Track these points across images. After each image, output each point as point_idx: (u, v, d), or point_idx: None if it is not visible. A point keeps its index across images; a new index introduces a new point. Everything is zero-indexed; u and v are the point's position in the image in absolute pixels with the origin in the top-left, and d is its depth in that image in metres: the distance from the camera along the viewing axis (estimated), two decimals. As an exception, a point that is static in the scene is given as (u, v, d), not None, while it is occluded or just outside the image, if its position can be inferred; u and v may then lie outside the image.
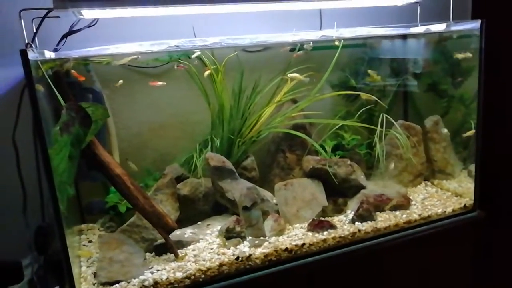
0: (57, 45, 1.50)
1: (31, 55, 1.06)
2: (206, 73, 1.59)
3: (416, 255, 1.61)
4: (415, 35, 1.93)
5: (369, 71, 1.92)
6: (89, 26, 1.50)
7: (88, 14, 1.40)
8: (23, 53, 1.03)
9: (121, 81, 1.55)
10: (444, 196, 1.77)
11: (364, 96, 1.73)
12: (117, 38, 1.47)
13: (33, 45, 1.23)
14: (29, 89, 1.04)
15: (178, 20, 1.64)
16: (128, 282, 1.23)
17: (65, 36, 1.50)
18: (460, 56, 1.79)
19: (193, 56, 1.59)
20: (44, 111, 1.15)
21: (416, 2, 1.85)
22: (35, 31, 1.31)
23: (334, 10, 1.86)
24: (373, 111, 1.92)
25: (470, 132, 1.75)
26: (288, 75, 1.63)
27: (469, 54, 1.75)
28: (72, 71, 1.34)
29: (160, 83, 1.60)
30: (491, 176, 2.02)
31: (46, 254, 1.38)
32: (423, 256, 1.62)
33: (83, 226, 1.58)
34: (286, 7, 1.65)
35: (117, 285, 1.22)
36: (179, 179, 1.58)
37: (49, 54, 1.27)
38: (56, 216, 1.09)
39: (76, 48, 1.38)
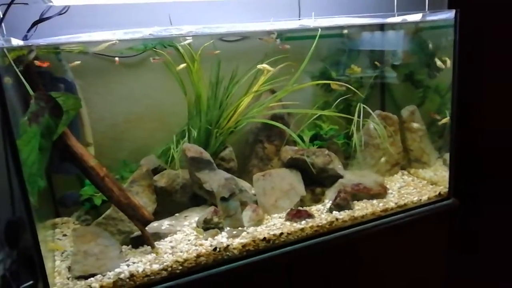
0: (27, 32, 1.45)
1: (-4, 42, 1.02)
2: (181, 66, 1.56)
3: (393, 243, 1.63)
4: (391, 25, 1.94)
5: (352, 66, 1.93)
6: (59, 14, 1.45)
7: (59, 1, 1.36)
8: (-13, 41, 0.99)
9: (77, 62, 1.49)
10: (420, 185, 1.80)
11: (334, 85, 1.73)
12: (90, 26, 1.43)
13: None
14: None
15: (154, 8, 1.61)
16: (104, 275, 1.21)
17: (35, 23, 1.45)
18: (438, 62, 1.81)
19: (184, 43, 1.56)
20: (12, 101, 1.11)
21: (393, -8, 1.87)
22: (1, 17, 1.25)
23: (313, 0, 1.85)
24: (351, 101, 1.93)
25: (445, 120, 1.78)
26: (258, 66, 1.61)
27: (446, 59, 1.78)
28: (36, 61, 1.29)
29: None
30: (470, 166, 2.08)
31: (18, 249, 1.35)
32: (399, 243, 1.65)
33: (57, 219, 1.54)
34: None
35: (92, 278, 1.20)
36: (156, 170, 1.56)
37: (16, 42, 1.22)
38: (26, 209, 1.06)
39: (47, 36, 1.34)
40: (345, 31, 1.97)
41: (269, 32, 1.68)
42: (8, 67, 1.16)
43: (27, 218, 1.07)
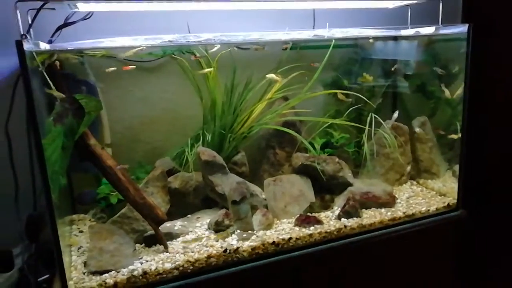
0: (52, 36, 1.51)
1: (26, 46, 1.07)
2: (206, 70, 1.60)
3: (400, 252, 1.65)
4: (404, 37, 1.97)
5: (364, 74, 1.97)
6: (84, 19, 1.52)
7: (83, 7, 1.42)
8: (19, 44, 1.05)
9: (113, 68, 1.56)
10: (428, 195, 1.82)
11: (340, 96, 1.78)
12: (112, 32, 1.49)
13: (28, 36, 1.24)
14: (24, 80, 1.06)
15: (173, 15, 1.66)
16: (118, 272, 1.25)
17: (59, 28, 1.52)
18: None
19: (211, 50, 1.62)
20: (38, 102, 1.17)
21: (407, 5, 1.90)
22: (30, 22, 1.32)
23: (328, 11, 1.89)
24: (363, 111, 1.96)
25: (454, 136, 1.80)
26: (266, 75, 1.65)
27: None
28: (56, 62, 1.35)
29: (130, 67, 1.60)
30: (480, 177, 2.09)
31: (37, 243, 1.40)
32: (406, 252, 1.67)
33: (74, 216, 1.60)
34: (281, 6, 1.68)
35: (106, 274, 1.24)
36: (170, 172, 1.61)
37: (44, 46, 1.29)
38: (48, 205, 1.11)
39: (70, 41, 1.40)
40: (358, 41, 2.00)
41: (284, 42, 1.72)
42: (35, 69, 1.22)
43: (48, 214, 1.12)
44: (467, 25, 1.62)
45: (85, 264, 1.29)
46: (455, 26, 1.71)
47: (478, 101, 1.98)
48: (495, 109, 2.08)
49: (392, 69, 2.04)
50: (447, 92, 1.86)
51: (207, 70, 1.61)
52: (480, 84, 2.02)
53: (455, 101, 1.95)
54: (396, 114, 1.89)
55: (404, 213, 1.65)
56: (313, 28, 1.90)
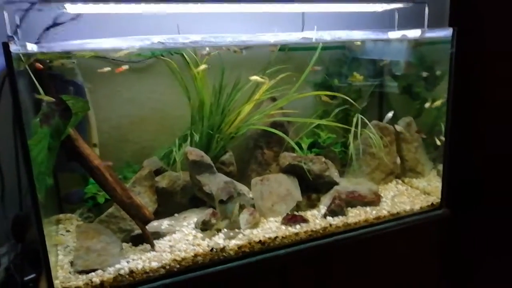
0: (38, 38, 1.52)
1: (13, 47, 1.08)
2: (201, 67, 1.62)
3: (385, 250, 1.69)
4: (391, 40, 1.99)
5: (354, 73, 2.00)
6: (72, 19, 1.53)
7: (72, 8, 1.42)
8: (5, 46, 1.05)
9: (108, 68, 1.57)
10: (413, 194, 1.86)
11: (324, 98, 1.81)
12: (102, 33, 1.50)
13: (15, 37, 1.25)
14: (10, 82, 1.07)
15: (163, 16, 1.67)
16: (104, 271, 1.26)
17: (47, 29, 1.52)
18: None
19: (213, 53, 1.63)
20: (24, 103, 1.17)
21: (395, 8, 1.93)
22: (17, 23, 1.32)
23: (316, 14, 1.91)
24: (349, 111, 1.99)
25: (437, 141, 1.85)
26: (250, 78, 1.67)
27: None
28: (37, 64, 1.35)
29: (124, 67, 1.61)
30: (466, 177, 2.13)
31: (23, 243, 1.41)
32: (391, 250, 1.70)
33: (61, 215, 1.60)
34: (270, 9, 1.70)
35: (93, 273, 1.26)
36: (158, 172, 1.62)
37: (31, 47, 1.29)
38: (34, 206, 1.12)
39: (58, 42, 1.41)
40: (346, 43, 2.03)
41: (273, 44, 1.75)
42: (22, 71, 1.22)
43: (34, 213, 1.13)
44: (451, 29, 1.66)
45: (71, 263, 1.30)
46: (440, 30, 1.74)
47: (464, 101, 2.03)
48: (482, 109, 2.12)
49: (381, 65, 2.08)
50: (427, 104, 1.92)
51: (202, 67, 1.62)
52: (467, 85, 2.06)
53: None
54: (390, 114, 1.93)
55: (388, 211, 1.68)
56: (302, 30, 1.92)
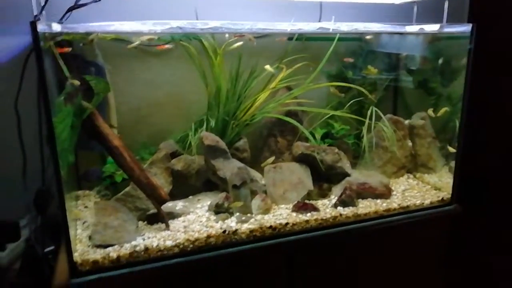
0: (62, 18, 1.55)
1: (40, 27, 1.11)
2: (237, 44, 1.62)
3: (393, 242, 1.71)
4: (408, 34, 1.99)
5: (368, 66, 2.00)
6: (95, 1, 1.55)
7: (95, -10, 1.45)
8: (33, 25, 1.08)
9: (137, 42, 1.59)
10: (424, 189, 1.86)
11: (332, 90, 1.82)
12: (122, 15, 1.53)
13: (40, 17, 1.28)
14: (37, 61, 1.10)
15: (181, 1, 1.70)
16: (121, 246, 1.31)
17: (70, 9, 1.55)
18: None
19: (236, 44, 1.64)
20: (48, 81, 1.21)
21: (413, 1, 1.92)
22: (43, 3, 1.35)
23: (334, 4, 1.91)
24: (364, 103, 2.00)
25: (451, 149, 1.86)
26: (265, 67, 1.70)
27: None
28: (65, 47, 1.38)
29: (167, 46, 1.64)
30: (475, 172, 2.14)
31: (43, 216, 1.46)
32: (399, 243, 1.72)
33: (79, 192, 1.65)
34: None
35: (110, 248, 1.30)
36: (174, 155, 1.66)
37: (56, 27, 1.32)
38: (57, 181, 1.16)
39: (80, 22, 1.44)
40: (363, 35, 2.03)
41: (290, 33, 1.75)
42: (47, 49, 1.26)
43: (57, 188, 1.17)
44: (470, 25, 1.65)
45: (89, 237, 1.34)
46: (459, 25, 1.73)
47: (479, 99, 2.02)
48: (496, 109, 2.12)
49: (397, 58, 2.07)
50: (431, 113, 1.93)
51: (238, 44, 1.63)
52: (481, 82, 2.05)
53: (455, 98, 1.98)
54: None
55: (399, 204, 1.70)
56: (319, 20, 1.92)
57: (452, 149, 1.86)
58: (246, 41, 1.78)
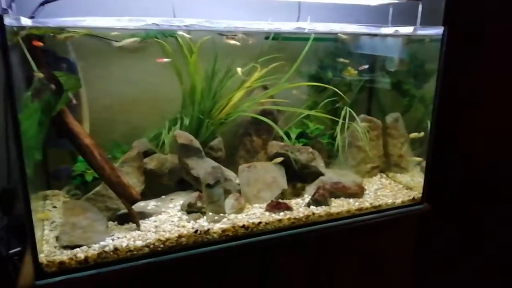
0: (33, 12, 1.51)
1: (8, 20, 1.08)
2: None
3: (365, 241, 1.74)
4: (383, 36, 2.02)
5: (348, 67, 2.02)
6: (66, -4, 1.52)
7: (66, -16, 1.41)
8: (0, 19, 1.05)
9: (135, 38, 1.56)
10: (396, 188, 1.90)
11: (295, 91, 1.87)
12: (95, 12, 1.49)
13: (10, 11, 1.24)
14: (4, 56, 1.07)
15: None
16: (89, 247, 1.29)
17: (42, 3, 1.51)
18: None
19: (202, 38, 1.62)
20: (15, 76, 1.18)
21: (389, 4, 1.95)
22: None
23: (312, 5, 1.92)
24: (338, 104, 2.02)
25: (414, 135, 1.90)
26: (237, 69, 1.71)
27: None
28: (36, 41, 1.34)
29: (165, 59, 1.62)
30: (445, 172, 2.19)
31: (10, 216, 1.42)
32: (370, 241, 1.75)
33: (48, 192, 1.61)
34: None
35: (78, 249, 1.28)
36: (147, 153, 1.64)
37: (25, 21, 1.29)
38: (22, 180, 1.13)
39: (52, 17, 1.40)
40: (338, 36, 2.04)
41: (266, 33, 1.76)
42: (14, 45, 1.22)
43: (21, 188, 1.14)
44: (442, 28, 1.69)
45: (57, 238, 1.31)
46: (432, 28, 1.77)
47: (449, 101, 2.07)
48: (464, 109, 2.17)
49: (372, 60, 2.09)
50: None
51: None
52: (453, 84, 2.11)
53: (428, 99, 2.02)
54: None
55: (371, 204, 1.73)
56: (297, 20, 1.93)
57: (415, 135, 1.89)
58: (221, 38, 1.78)
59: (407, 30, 1.88)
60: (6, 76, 1.08)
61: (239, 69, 1.69)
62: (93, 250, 1.27)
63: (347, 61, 1.99)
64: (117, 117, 1.75)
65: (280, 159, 1.73)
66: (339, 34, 1.97)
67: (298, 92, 1.89)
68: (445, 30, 1.69)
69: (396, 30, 1.92)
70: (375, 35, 2.02)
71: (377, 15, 2.04)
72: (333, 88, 1.86)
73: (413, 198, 1.83)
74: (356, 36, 2.06)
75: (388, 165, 2.06)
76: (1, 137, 1.45)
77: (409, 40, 2.07)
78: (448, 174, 2.23)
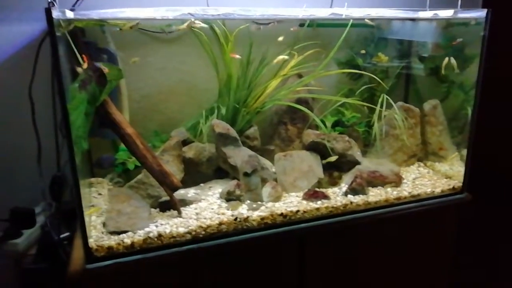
0: (73, 5, 1.55)
1: (55, 14, 1.11)
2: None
3: (404, 230, 1.71)
4: (422, 20, 1.96)
5: (379, 54, 1.97)
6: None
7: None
8: (48, 12, 1.08)
9: (136, 59, 1.59)
10: (435, 177, 1.86)
11: (313, 82, 1.82)
12: (134, 2, 1.52)
13: (55, 4, 1.27)
14: (52, 48, 1.10)
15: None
16: (134, 233, 1.33)
17: (82, -4, 1.55)
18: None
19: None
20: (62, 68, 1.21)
21: (427, -14, 1.88)
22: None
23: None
24: (375, 91, 1.98)
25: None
26: (275, 61, 1.68)
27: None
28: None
29: (237, 56, 1.64)
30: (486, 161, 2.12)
31: (59, 203, 1.48)
32: (409, 231, 1.73)
33: (93, 179, 1.67)
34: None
35: (124, 234, 1.32)
36: (185, 142, 1.66)
37: (69, 14, 1.32)
38: (72, 168, 1.18)
39: (92, 9, 1.43)
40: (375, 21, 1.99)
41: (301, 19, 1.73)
42: (60, 37, 1.25)
43: (72, 175, 1.18)
44: (485, 10, 1.62)
45: (104, 224, 1.36)
46: (474, 11, 1.70)
47: (493, 88, 1.99)
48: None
49: (409, 45, 2.02)
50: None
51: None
52: (497, 71, 2.03)
53: (468, 85, 1.96)
54: None
55: (409, 193, 1.70)
56: (331, 6, 1.90)
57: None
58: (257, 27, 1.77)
59: (447, 13, 1.81)
60: (55, 68, 1.12)
61: (281, 57, 1.67)
62: (139, 236, 1.32)
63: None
64: (155, 107, 1.79)
65: (335, 157, 1.71)
66: (377, 19, 1.92)
67: (316, 83, 1.85)
68: (488, 12, 1.62)
69: (435, 14, 1.85)
70: (414, 19, 1.96)
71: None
72: (371, 75, 1.83)
73: (453, 187, 1.78)
74: (392, 20, 2.01)
75: (426, 153, 2.01)
76: (50, 127, 1.51)
77: (447, 24, 2.00)
78: (489, 162, 2.16)
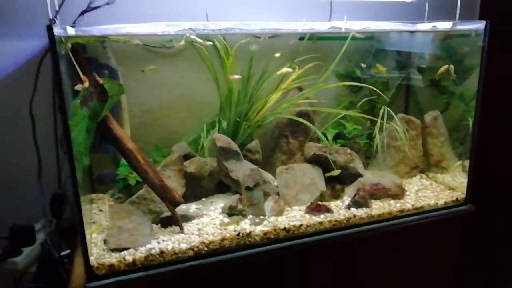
0: (74, 22, 1.56)
1: (56, 30, 1.11)
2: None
3: (407, 243, 1.70)
4: (420, 32, 1.97)
5: (377, 65, 1.98)
6: (107, 4, 1.56)
7: (107, -7, 1.45)
8: (49, 29, 1.08)
9: (152, 66, 1.61)
10: (437, 189, 1.85)
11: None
12: (134, 16, 1.53)
13: (56, 21, 1.28)
14: (53, 64, 1.10)
15: (192, 1, 1.69)
16: (136, 250, 1.31)
17: (83, 12, 1.56)
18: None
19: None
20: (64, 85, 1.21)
21: (425, -1, 1.90)
22: (57, 8, 1.36)
23: (345, 3, 1.90)
24: (376, 103, 1.99)
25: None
26: (278, 72, 1.69)
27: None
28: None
29: (236, 76, 1.65)
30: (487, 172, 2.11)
31: (59, 220, 1.47)
32: (414, 244, 1.71)
33: (93, 195, 1.66)
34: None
35: (125, 251, 1.30)
36: (186, 157, 1.66)
37: (71, 31, 1.33)
38: (73, 185, 1.16)
39: (92, 25, 1.44)
40: (374, 34, 2.01)
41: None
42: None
43: (73, 192, 1.17)
44: (484, 22, 1.63)
45: (105, 241, 1.34)
46: (472, 23, 1.71)
47: (492, 98, 2.00)
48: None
49: (409, 57, 2.03)
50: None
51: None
52: (496, 82, 2.03)
53: (468, 96, 1.96)
54: None
55: (412, 205, 1.69)
56: (330, 19, 1.91)
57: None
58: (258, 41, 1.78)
59: (445, 25, 1.83)
60: (57, 84, 1.12)
61: (285, 69, 1.67)
62: (140, 253, 1.30)
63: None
64: (156, 121, 1.78)
65: (337, 171, 1.70)
66: (377, 32, 1.94)
67: (314, 96, 1.84)
68: (487, 24, 1.63)
69: (434, 26, 1.86)
70: (413, 31, 1.97)
71: (413, 11, 2.00)
72: (372, 87, 1.83)
73: (456, 199, 1.77)
74: (391, 33, 2.02)
75: (428, 165, 2.00)
76: (50, 143, 1.50)
77: (446, 35, 2.01)
78: (491, 173, 2.15)
